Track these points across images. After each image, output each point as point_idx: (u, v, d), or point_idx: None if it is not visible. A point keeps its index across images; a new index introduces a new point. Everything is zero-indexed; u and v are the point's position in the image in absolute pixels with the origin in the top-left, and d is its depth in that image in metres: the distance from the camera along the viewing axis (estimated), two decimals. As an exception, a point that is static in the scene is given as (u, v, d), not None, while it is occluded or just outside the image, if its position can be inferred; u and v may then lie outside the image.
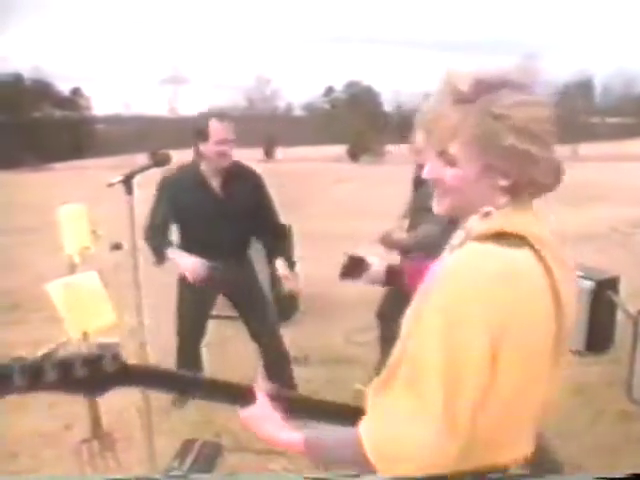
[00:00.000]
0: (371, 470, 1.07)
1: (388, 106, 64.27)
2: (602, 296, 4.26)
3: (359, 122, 41.81)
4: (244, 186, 3.22)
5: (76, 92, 63.93)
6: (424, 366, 1.05)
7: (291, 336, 4.69)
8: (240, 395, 1.27)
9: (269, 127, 47.70)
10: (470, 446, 1.05)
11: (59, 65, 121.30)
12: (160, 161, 2.77)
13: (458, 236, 1.19)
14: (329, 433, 1.23)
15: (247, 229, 3.31)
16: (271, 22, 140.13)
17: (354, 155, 32.00)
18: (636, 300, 4.19)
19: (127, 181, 2.36)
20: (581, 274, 4.36)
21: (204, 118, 3.11)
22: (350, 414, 1.23)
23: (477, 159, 1.11)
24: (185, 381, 1.28)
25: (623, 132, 50.54)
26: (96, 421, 2.95)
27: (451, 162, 1.13)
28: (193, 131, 3.12)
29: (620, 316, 4.37)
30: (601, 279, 4.33)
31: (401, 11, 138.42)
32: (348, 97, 67.34)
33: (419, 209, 3.11)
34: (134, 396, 2.72)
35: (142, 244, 3.01)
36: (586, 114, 59.59)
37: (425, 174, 1.18)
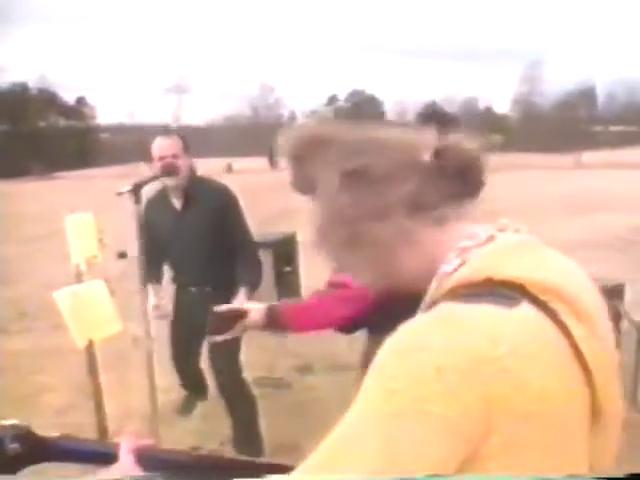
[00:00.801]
0: None
1: (391, 115, 64.54)
2: (607, 305, 4.25)
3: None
4: (207, 202, 3.06)
5: (81, 101, 64.37)
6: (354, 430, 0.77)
7: (294, 343, 4.71)
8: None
9: (273, 136, 47.82)
10: None
11: (64, 75, 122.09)
12: (165, 172, 2.87)
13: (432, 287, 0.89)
14: None
15: (213, 245, 3.07)
16: (275, 31, 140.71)
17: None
18: (640, 308, 4.19)
19: (135, 190, 2.39)
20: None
21: (149, 138, 3.07)
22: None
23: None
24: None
25: (626, 140, 50.52)
26: (103, 427, 2.97)
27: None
28: (149, 149, 3.04)
29: (624, 324, 4.37)
30: (606, 287, 4.33)
31: (405, 20, 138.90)
32: (351, 106, 67.64)
33: None
34: (140, 404, 2.74)
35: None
36: (589, 122, 59.66)
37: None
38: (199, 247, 3.06)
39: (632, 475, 1.14)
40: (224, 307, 1.70)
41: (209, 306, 2.81)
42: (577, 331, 0.79)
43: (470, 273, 0.82)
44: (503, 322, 0.76)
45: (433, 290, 0.87)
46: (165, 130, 3.25)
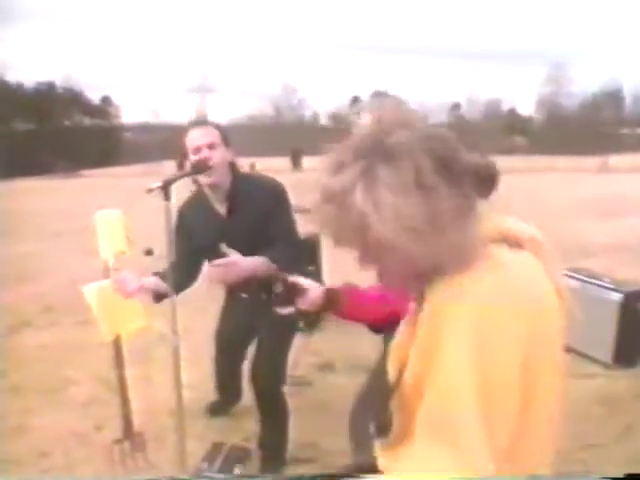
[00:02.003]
0: None
1: (414, 116, 64.21)
2: (631, 308, 4.22)
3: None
4: (255, 204, 2.72)
5: (106, 101, 65.15)
6: (456, 407, 0.94)
7: (317, 343, 4.73)
8: None
9: (295, 136, 48.00)
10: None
11: (89, 74, 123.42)
12: (199, 168, 2.64)
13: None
14: None
15: (265, 252, 2.66)
16: (298, 32, 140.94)
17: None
18: (666, 313, 4.14)
19: (165, 187, 2.39)
20: (610, 286, 4.33)
21: (181, 134, 2.73)
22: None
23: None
24: None
25: (653, 143, 49.66)
26: (128, 422, 3.02)
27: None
28: (174, 147, 2.79)
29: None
30: (630, 291, 4.29)
31: (428, 21, 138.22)
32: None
33: None
34: (165, 399, 2.77)
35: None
36: (615, 124, 58.81)
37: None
38: (250, 252, 2.59)
39: (632, 475, 1.20)
40: (292, 278, 1.68)
41: (260, 312, 2.60)
42: (552, 269, 1.06)
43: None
44: (521, 263, 1.01)
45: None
46: (199, 120, 2.81)
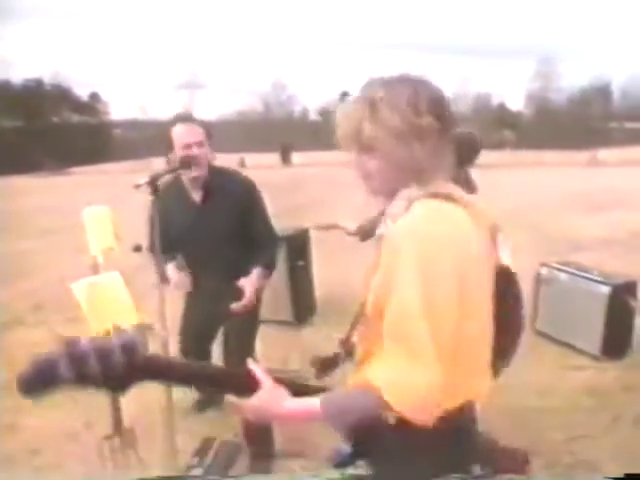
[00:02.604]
0: (384, 410, 1.21)
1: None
2: (619, 301, 4.26)
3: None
4: (229, 195, 2.93)
5: (94, 97, 64.69)
6: (408, 317, 1.19)
7: (307, 338, 4.74)
8: (245, 383, 1.30)
9: (285, 132, 47.92)
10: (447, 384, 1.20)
11: (77, 70, 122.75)
12: (184, 164, 2.76)
13: (398, 206, 1.33)
14: (340, 393, 1.33)
15: (233, 241, 2.96)
16: (287, 27, 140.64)
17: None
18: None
19: (152, 183, 2.40)
20: (599, 279, 4.37)
21: (167, 127, 2.86)
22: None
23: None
24: (193, 373, 1.32)
25: (642, 137, 49.93)
26: (118, 418, 3.01)
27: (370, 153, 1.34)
28: (163, 143, 2.87)
29: (638, 321, 4.36)
30: (618, 284, 4.32)
31: (417, 16, 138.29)
32: (364, 102, 67.31)
33: None
34: (156, 394, 2.76)
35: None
36: (604, 119, 59.10)
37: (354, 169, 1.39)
38: (220, 241, 2.92)
39: (633, 475, 1.22)
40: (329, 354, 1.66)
41: (226, 301, 2.90)
42: (480, 225, 1.32)
43: (427, 192, 1.31)
44: (457, 212, 1.29)
45: (404, 204, 1.32)
46: (185, 116, 2.98)
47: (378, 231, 1.39)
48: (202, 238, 2.92)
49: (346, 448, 1.38)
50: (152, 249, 2.72)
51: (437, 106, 1.30)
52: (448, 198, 1.30)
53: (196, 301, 3.18)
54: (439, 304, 1.19)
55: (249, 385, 1.29)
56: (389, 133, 1.27)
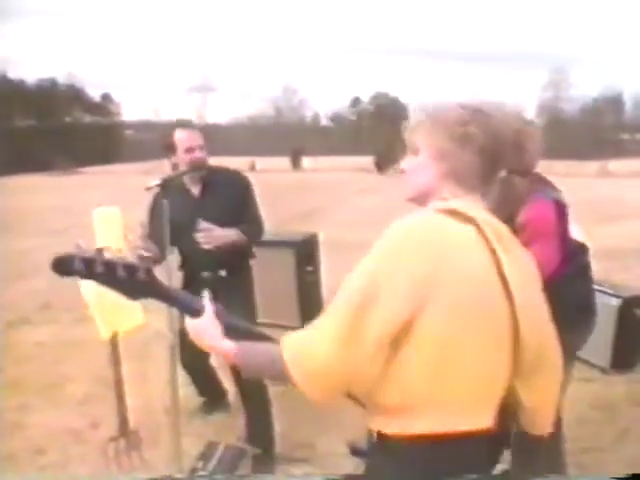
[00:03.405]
0: (288, 381, 1.22)
1: (415, 118, 64.19)
2: (629, 313, 4.22)
3: (386, 134, 41.80)
4: (224, 189, 3.12)
5: (106, 98, 65.05)
6: (342, 291, 1.20)
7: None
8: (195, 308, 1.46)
9: (296, 137, 48.03)
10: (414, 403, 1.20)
11: (90, 71, 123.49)
12: (197, 167, 2.90)
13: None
14: (260, 346, 1.36)
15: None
16: (299, 32, 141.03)
17: (381, 166, 32.01)
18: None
19: (164, 185, 2.42)
20: (609, 291, 4.33)
21: (168, 131, 3.06)
22: None
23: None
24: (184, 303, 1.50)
25: (653, 149, 49.67)
26: (124, 419, 3.01)
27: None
28: (162, 146, 3.06)
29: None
30: (628, 296, 4.28)
31: (429, 23, 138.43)
32: (375, 108, 67.48)
33: None
34: (161, 397, 2.77)
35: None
36: (615, 130, 58.86)
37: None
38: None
39: (632, 475, 1.21)
40: None
41: (222, 291, 2.83)
42: (504, 257, 1.22)
43: (444, 205, 1.27)
44: (448, 224, 1.23)
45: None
46: (185, 122, 3.23)
47: None
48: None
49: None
50: (152, 238, 2.90)
51: (490, 137, 1.30)
52: (454, 214, 1.25)
53: (193, 290, 3.13)
54: (377, 297, 1.16)
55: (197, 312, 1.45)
56: (436, 142, 1.31)
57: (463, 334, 1.19)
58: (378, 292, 1.15)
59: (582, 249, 2.72)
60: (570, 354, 2.07)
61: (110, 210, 2.96)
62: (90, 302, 2.71)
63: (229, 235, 2.99)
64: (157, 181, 2.44)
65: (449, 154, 1.30)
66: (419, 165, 1.35)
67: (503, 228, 1.30)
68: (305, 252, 5.41)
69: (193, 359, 3.19)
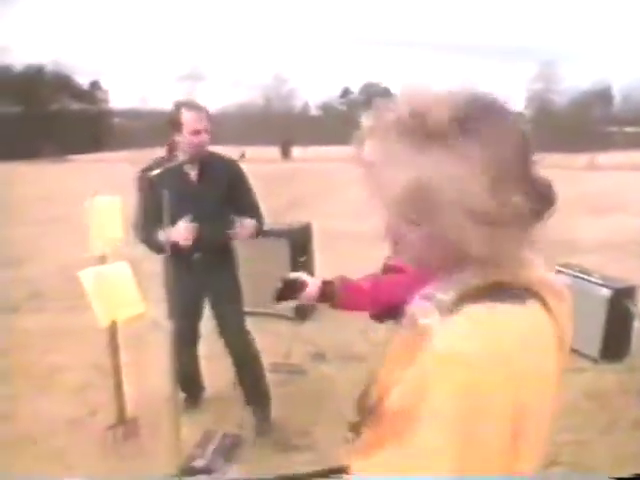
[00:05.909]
0: None
1: (405, 109, 64.17)
2: (619, 305, 4.27)
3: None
4: (220, 174, 3.20)
5: (94, 85, 64.46)
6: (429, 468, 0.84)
7: (309, 333, 4.74)
8: None
9: (286, 126, 47.83)
10: None
11: (78, 58, 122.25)
12: (196, 156, 2.91)
13: (446, 289, 0.95)
14: None
15: (224, 214, 3.12)
16: (289, 22, 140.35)
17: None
18: (654, 310, 4.20)
19: (164, 175, 2.41)
20: (599, 282, 4.38)
21: (176, 108, 3.05)
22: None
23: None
24: None
25: (641, 142, 49.96)
26: (121, 408, 3.02)
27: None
28: (167, 123, 3.06)
29: (637, 325, 4.38)
30: (618, 288, 4.33)
31: (419, 14, 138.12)
32: (365, 99, 67.35)
33: None
34: (159, 385, 2.77)
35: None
36: (604, 123, 59.16)
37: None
38: (212, 214, 3.09)
39: (633, 475, 1.17)
40: (292, 275, 1.73)
41: (214, 270, 3.13)
42: (562, 319, 0.93)
43: (484, 279, 0.91)
44: (522, 319, 0.87)
45: (453, 295, 0.91)
46: (196, 103, 3.17)
47: (422, 319, 0.96)
48: (198, 211, 3.03)
49: None
50: (140, 231, 2.95)
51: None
52: (519, 293, 0.90)
53: (178, 276, 2.98)
54: (474, 459, 0.83)
55: None
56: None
57: None
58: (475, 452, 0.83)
59: None
60: None
61: (110, 199, 2.96)
62: (89, 290, 2.70)
63: (254, 226, 3.12)
64: (158, 171, 2.43)
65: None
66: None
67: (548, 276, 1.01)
68: (299, 242, 5.42)
69: (182, 354, 3.10)
